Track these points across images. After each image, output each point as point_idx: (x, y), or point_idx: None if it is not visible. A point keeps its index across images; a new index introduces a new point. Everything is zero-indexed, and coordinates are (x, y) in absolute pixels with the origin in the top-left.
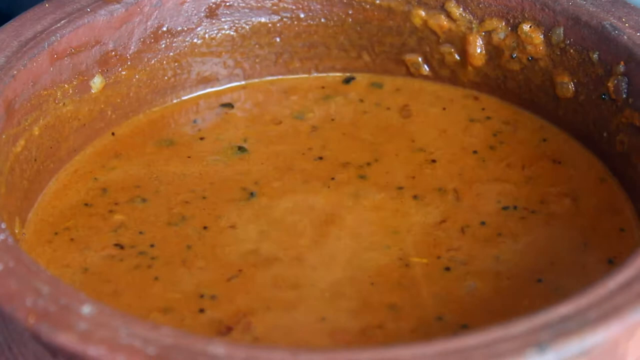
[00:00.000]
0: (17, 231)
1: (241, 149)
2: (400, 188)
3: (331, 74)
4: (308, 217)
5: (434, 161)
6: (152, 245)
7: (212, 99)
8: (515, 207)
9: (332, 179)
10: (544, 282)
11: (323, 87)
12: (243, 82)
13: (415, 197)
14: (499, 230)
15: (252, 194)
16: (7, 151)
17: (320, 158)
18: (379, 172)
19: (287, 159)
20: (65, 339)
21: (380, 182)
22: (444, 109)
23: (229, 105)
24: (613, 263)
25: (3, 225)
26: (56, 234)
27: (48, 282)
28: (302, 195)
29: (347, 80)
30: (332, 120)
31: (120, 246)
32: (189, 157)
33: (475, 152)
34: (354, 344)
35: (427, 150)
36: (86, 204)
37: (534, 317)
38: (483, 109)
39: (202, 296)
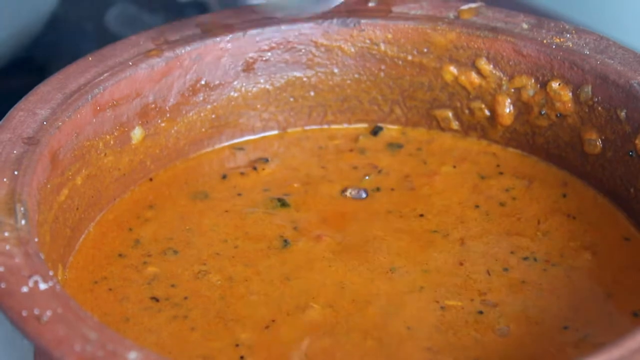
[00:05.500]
0: (59, 277)
1: (281, 201)
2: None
3: (362, 125)
4: (333, 265)
5: (440, 212)
6: (185, 298)
7: (246, 150)
8: (535, 259)
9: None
10: (570, 329)
11: (356, 140)
12: (277, 132)
13: (434, 231)
14: (523, 278)
15: (285, 242)
16: (52, 200)
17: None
18: None
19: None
20: None
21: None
22: (454, 167)
23: (265, 160)
24: (638, 316)
25: (51, 273)
26: (95, 282)
27: (95, 328)
28: (324, 244)
29: (375, 132)
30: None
31: (155, 299)
32: (226, 211)
33: (477, 206)
34: None
35: (430, 202)
36: (120, 255)
37: None
38: (498, 165)
39: (238, 345)
